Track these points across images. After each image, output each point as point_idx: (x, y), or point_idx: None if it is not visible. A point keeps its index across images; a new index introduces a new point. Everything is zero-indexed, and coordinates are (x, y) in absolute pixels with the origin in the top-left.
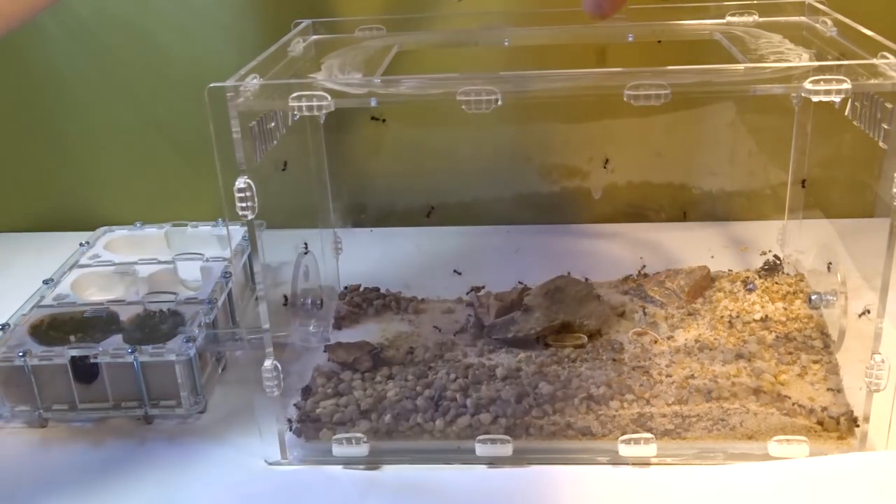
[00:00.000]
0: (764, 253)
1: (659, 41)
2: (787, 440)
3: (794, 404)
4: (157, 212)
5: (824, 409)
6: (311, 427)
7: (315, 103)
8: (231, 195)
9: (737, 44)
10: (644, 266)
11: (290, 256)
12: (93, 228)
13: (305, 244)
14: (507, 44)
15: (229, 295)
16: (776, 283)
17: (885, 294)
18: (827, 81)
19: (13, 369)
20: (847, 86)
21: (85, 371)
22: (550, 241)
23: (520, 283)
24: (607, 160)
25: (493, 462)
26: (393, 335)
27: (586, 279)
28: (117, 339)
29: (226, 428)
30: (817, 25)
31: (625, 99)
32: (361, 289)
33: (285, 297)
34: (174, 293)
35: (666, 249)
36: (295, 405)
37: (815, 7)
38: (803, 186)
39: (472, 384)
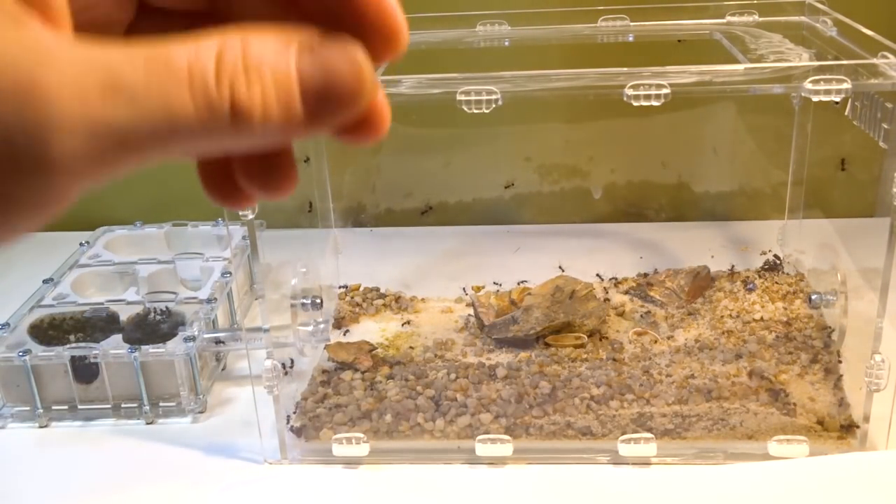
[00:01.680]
0: (764, 253)
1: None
2: (787, 440)
3: (793, 403)
4: (157, 212)
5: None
6: (311, 427)
7: None
8: None
9: (737, 43)
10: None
11: (290, 257)
12: (93, 228)
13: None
14: (507, 44)
15: (229, 295)
16: (776, 283)
17: (885, 294)
18: (827, 81)
19: (13, 369)
20: (847, 86)
21: (85, 371)
22: (550, 241)
23: (519, 282)
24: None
25: (493, 462)
26: (393, 335)
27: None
28: (117, 338)
29: (226, 428)
30: (817, 25)
31: (625, 99)
32: (361, 289)
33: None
34: (174, 293)
35: (666, 249)
36: (295, 405)
37: (815, 7)
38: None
39: (472, 384)
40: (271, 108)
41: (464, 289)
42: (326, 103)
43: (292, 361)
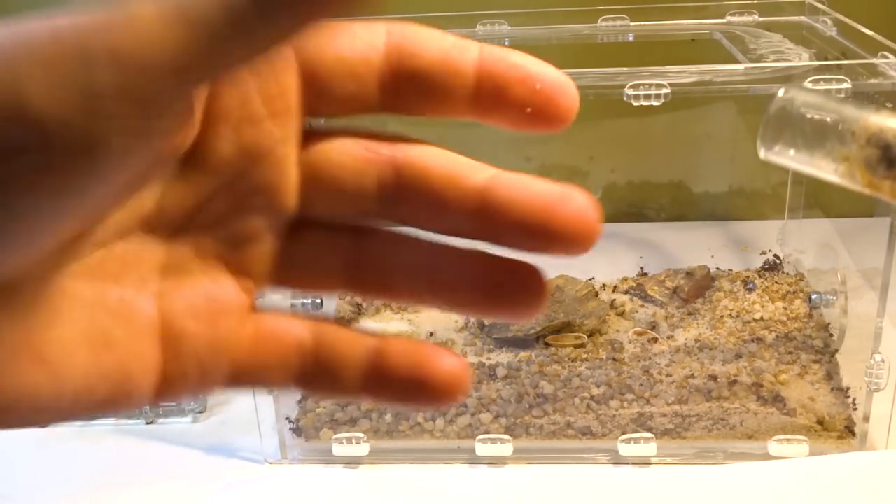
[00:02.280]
0: (764, 253)
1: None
2: (787, 440)
3: (790, 403)
4: None
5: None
6: (311, 427)
7: None
8: None
9: (737, 43)
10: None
11: None
12: None
13: None
14: (507, 44)
15: None
16: (776, 282)
17: (885, 294)
18: (827, 81)
19: None
20: (847, 85)
21: None
22: None
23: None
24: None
25: (493, 462)
26: (393, 335)
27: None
28: None
29: (226, 428)
30: (817, 25)
31: (625, 99)
32: None
33: None
34: None
35: (666, 249)
36: (295, 405)
37: (815, 7)
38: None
39: (472, 384)
40: None
41: None
42: None
43: None
